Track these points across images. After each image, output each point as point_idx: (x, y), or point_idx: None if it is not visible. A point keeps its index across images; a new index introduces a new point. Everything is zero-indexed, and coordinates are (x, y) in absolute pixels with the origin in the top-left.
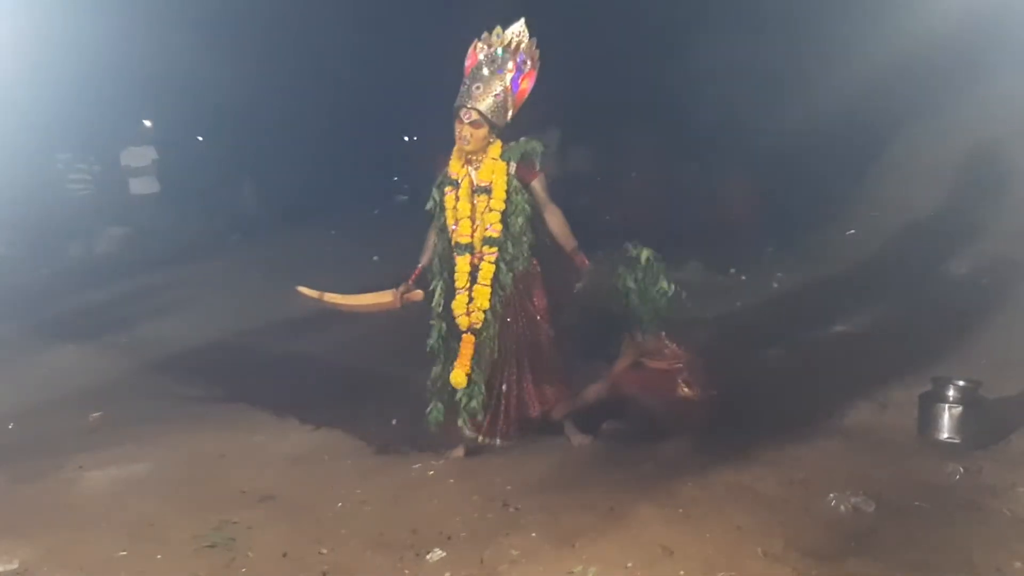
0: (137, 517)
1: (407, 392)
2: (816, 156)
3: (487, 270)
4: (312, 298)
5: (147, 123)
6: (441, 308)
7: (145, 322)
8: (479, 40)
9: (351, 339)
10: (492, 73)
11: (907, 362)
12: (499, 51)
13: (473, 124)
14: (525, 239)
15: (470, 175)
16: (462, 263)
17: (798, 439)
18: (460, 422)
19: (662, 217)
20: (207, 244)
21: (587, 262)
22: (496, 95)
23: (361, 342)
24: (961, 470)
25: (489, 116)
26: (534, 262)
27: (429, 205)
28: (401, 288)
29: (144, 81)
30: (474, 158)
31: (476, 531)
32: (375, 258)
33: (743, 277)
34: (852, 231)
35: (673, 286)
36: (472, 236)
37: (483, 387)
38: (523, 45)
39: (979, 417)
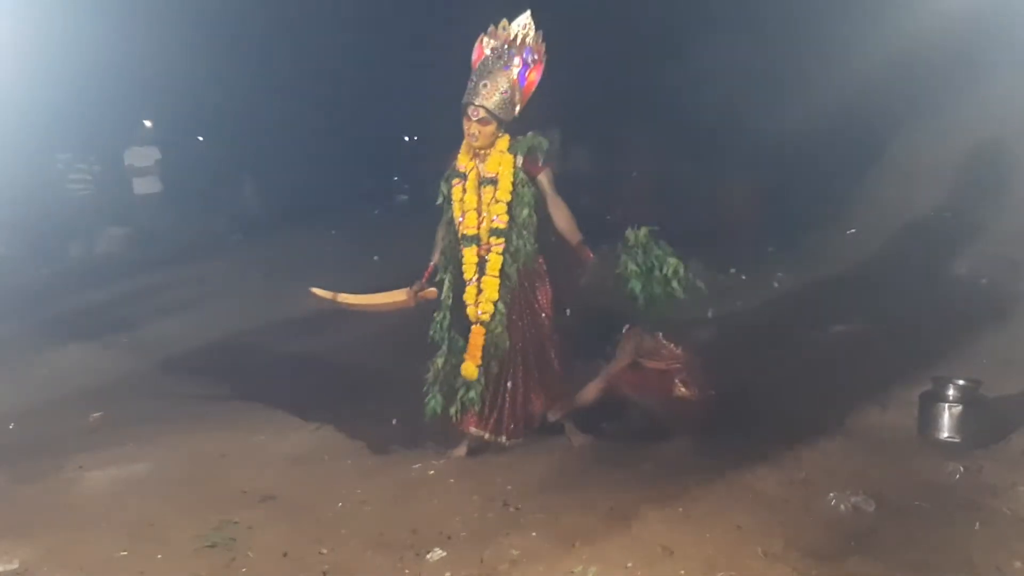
0: (137, 517)
1: (407, 392)
2: (816, 156)
3: (495, 261)
4: (326, 299)
5: (147, 123)
6: (450, 300)
7: (145, 322)
8: (485, 34)
9: (351, 339)
10: (498, 69)
11: (907, 362)
12: (505, 47)
13: (481, 121)
14: (527, 231)
15: (477, 167)
16: (469, 255)
17: (798, 439)
18: (452, 411)
19: (662, 216)
20: (207, 244)
21: (592, 255)
22: (503, 92)
23: (361, 342)
24: (961, 469)
25: (496, 113)
26: (540, 260)
27: (439, 200)
28: (415, 286)
29: (144, 81)
30: (482, 152)
31: (476, 531)
32: (375, 258)
33: (743, 277)
34: (852, 231)
35: (683, 265)
36: (478, 228)
37: (483, 379)
38: (529, 39)
39: (979, 416)
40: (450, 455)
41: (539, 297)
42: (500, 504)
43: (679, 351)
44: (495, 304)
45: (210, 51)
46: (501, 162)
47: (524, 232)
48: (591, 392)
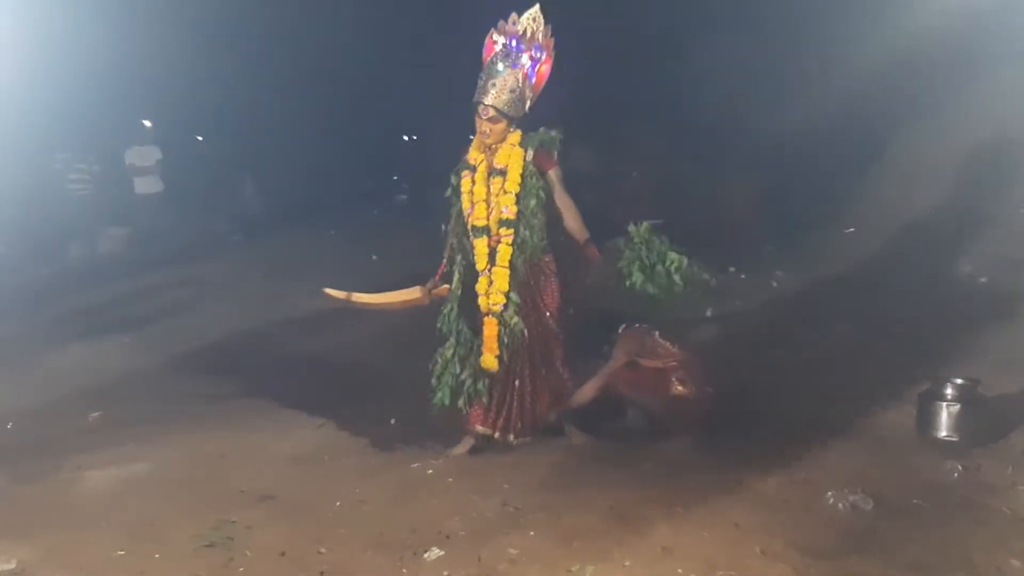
0: (137, 517)
1: (407, 391)
2: (816, 156)
3: (504, 252)
4: (340, 299)
5: (147, 123)
6: (460, 292)
7: (145, 322)
8: (495, 30)
9: (351, 339)
10: (507, 67)
11: (907, 361)
12: (514, 43)
13: (491, 120)
14: (536, 221)
15: (488, 159)
16: (480, 245)
17: (797, 438)
18: (460, 403)
19: (662, 216)
20: (207, 244)
21: (598, 253)
22: (512, 91)
23: (361, 342)
24: (960, 468)
25: (506, 111)
26: (548, 258)
27: (447, 192)
28: (429, 284)
29: (144, 81)
30: (494, 146)
31: (475, 530)
32: (374, 257)
33: (743, 276)
34: (851, 230)
35: (684, 259)
36: (488, 219)
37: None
38: (539, 33)
39: (978, 415)
40: (449, 454)
41: (544, 296)
42: (499, 503)
43: (676, 350)
44: (507, 295)
45: (210, 51)
46: (511, 154)
47: (533, 222)
48: (588, 391)
